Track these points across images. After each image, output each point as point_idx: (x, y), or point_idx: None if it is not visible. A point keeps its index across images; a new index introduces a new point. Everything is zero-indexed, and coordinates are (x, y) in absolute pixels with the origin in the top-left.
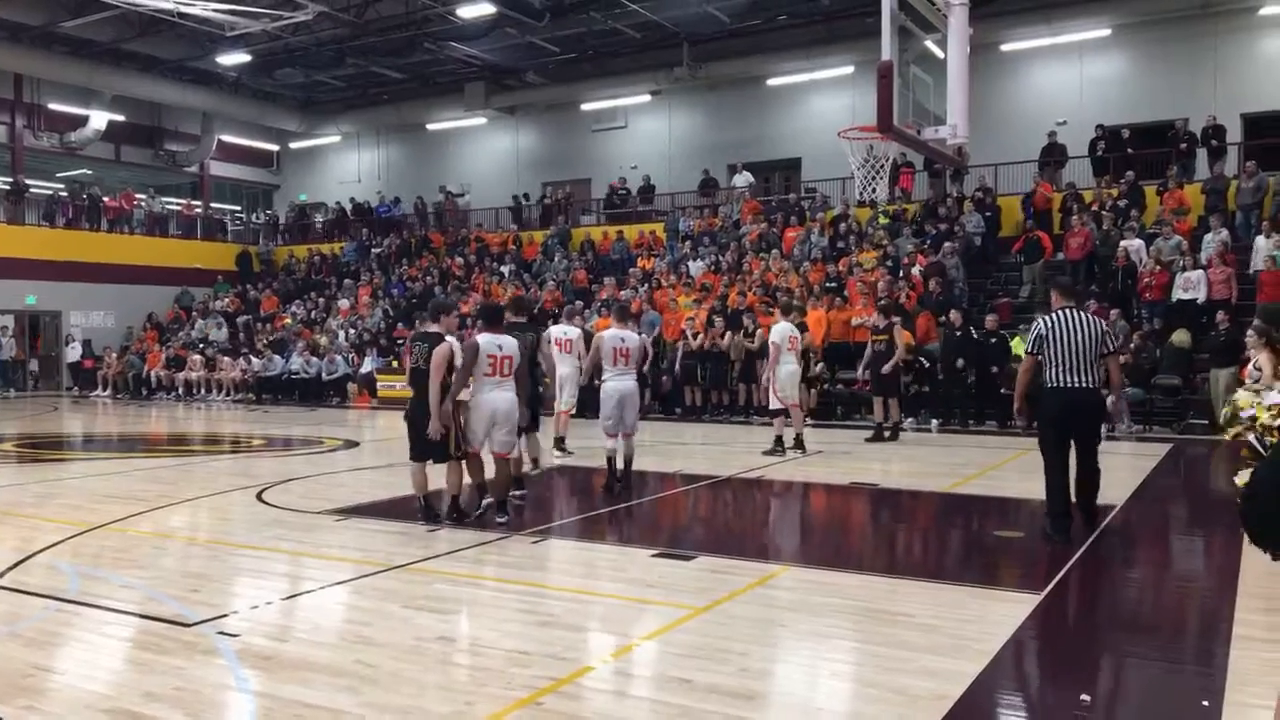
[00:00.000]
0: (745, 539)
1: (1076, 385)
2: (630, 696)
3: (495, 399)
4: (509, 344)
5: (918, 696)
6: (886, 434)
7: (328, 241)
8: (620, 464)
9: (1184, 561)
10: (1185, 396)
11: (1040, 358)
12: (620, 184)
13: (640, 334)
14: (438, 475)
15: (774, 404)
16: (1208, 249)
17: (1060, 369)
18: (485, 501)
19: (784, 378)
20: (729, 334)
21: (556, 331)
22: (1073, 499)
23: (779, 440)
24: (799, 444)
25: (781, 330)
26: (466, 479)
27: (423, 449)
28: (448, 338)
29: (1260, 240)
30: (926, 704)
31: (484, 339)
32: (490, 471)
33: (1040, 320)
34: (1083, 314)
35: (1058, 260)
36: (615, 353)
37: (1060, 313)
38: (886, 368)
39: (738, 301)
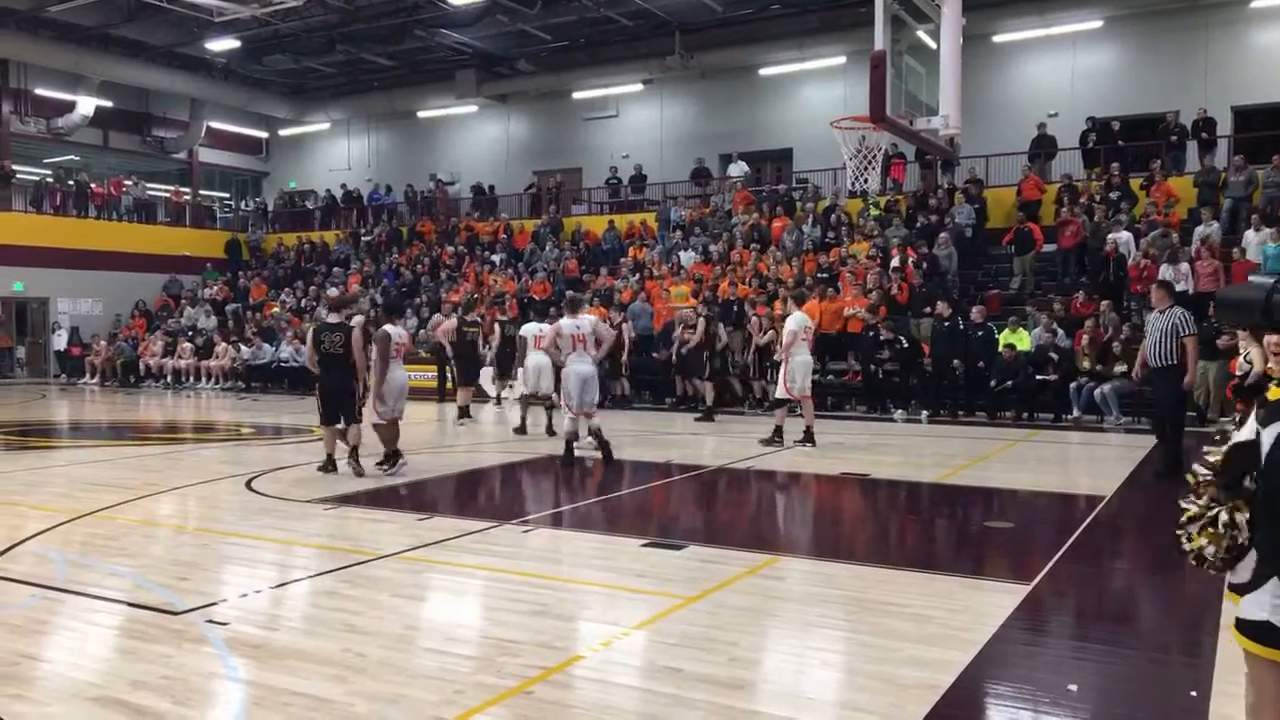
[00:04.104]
0: (736, 529)
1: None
2: (620, 685)
3: (403, 375)
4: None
5: (907, 686)
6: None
7: (317, 229)
8: (586, 436)
9: (1172, 552)
10: None
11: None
12: (612, 173)
13: (604, 321)
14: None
15: (781, 393)
16: (1198, 242)
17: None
18: (401, 462)
19: (797, 368)
20: (720, 325)
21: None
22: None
23: (778, 430)
24: (809, 437)
25: (799, 320)
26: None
27: (334, 414)
28: (386, 327)
29: (1250, 234)
30: (916, 694)
31: (391, 329)
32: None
33: (1188, 315)
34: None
35: (1048, 251)
36: (574, 339)
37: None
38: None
39: (729, 292)
